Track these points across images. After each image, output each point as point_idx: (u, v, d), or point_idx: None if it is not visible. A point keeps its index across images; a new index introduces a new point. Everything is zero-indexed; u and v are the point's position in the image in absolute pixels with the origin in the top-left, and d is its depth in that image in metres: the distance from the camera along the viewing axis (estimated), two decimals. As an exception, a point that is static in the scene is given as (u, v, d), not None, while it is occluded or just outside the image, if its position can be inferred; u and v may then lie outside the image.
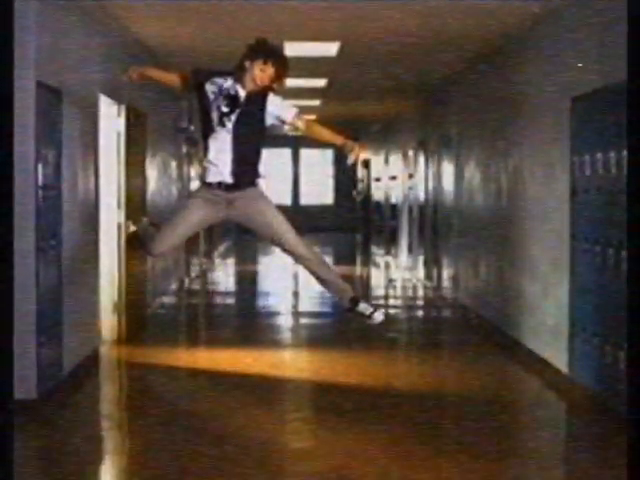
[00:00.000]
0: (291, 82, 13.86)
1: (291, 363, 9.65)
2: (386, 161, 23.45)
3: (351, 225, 30.57)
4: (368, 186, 27.68)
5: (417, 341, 11.39)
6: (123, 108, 9.99)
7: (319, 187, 32.64)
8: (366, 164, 27.42)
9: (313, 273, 6.01)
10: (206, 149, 5.87)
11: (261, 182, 5.97)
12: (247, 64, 5.76)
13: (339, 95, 16.82)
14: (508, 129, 10.46)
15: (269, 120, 5.85)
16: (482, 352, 9.89)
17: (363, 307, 6.00)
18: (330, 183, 32.76)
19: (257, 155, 5.91)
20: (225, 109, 5.79)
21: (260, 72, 5.73)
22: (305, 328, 12.14)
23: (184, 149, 15.35)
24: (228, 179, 5.82)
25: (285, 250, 5.99)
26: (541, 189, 9.10)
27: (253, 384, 8.27)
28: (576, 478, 5.90)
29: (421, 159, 16.79)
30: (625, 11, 5.15)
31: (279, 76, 5.79)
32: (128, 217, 9.79)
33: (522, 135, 9.86)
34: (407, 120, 19.51)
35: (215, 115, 5.79)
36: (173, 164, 14.22)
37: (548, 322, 8.78)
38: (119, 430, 7.02)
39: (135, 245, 6.45)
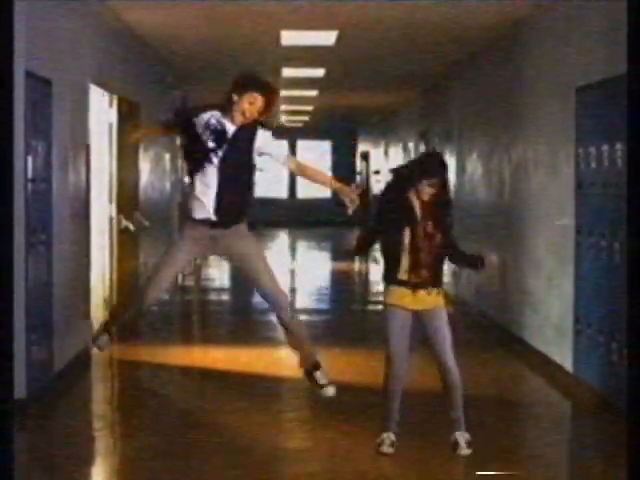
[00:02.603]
0: (288, 72, 13.72)
1: (288, 361, 9.50)
2: (386, 153, 23.35)
3: (349, 219, 30.38)
4: (367, 179, 27.51)
5: (417, 339, 11.22)
6: (115, 99, 9.84)
7: (317, 180, 32.45)
8: (365, 157, 27.26)
9: (285, 325, 6.03)
10: (192, 184, 5.76)
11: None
12: (235, 98, 5.62)
13: (337, 85, 16.70)
14: (511, 120, 10.32)
15: (257, 156, 5.74)
16: (484, 350, 9.79)
17: (319, 375, 6.02)
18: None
19: (244, 192, 5.84)
20: (212, 145, 5.64)
21: (249, 105, 5.62)
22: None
23: (178, 141, 15.18)
24: (212, 216, 5.69)
25: (265, 297, 5.97)
26: (545, 182, 8.97)
27: (249, 382, 8.20)
28: (580, 476, 5.88)
29: (422, 151, 16.65)
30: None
31: (268, 108, 5.65)
32: (120, 211, 9.67)
33: (525, 127, 9.72)
34: (407, 111, 19.40)
35: (202, 151, 5.64)
36: (167, 157, 14.12)
37: (552, 319, 8.65)
38: (111, 430, 6.93)
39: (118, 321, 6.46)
